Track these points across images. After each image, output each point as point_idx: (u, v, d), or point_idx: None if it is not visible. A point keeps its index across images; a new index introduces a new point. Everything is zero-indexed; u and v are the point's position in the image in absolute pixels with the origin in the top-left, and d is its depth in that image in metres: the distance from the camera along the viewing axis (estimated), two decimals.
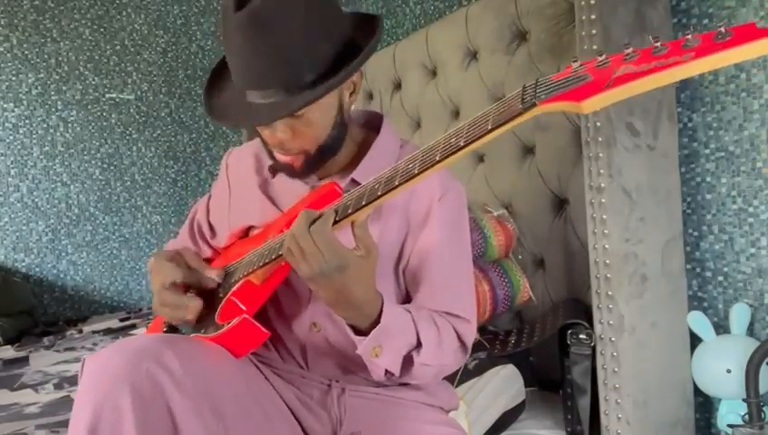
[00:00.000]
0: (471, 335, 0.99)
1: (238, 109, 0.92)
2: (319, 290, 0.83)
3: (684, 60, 0.55)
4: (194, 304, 0.92)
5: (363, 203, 0.78)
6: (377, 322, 0.86)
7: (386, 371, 0.91)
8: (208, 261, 1.10)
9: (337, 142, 0.97)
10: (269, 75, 0.87)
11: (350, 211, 0.79)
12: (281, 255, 0.84)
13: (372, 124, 1.06)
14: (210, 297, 0.96)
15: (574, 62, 0.65)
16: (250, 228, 1.06)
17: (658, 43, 0.58)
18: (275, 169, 1.00)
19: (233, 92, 0.94)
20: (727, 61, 0.55)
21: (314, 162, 0.95)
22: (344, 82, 0.90)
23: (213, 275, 0.97)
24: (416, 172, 0.74)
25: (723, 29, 0.55)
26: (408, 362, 0.92)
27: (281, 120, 0.90)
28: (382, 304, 0.87)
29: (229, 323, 0.89)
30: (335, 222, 0.81)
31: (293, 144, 0.92)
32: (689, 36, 0.57)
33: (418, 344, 0.91)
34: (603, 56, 0.62)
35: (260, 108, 0.89)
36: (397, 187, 0.76)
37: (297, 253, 0.80)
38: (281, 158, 0.95)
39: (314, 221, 0.80)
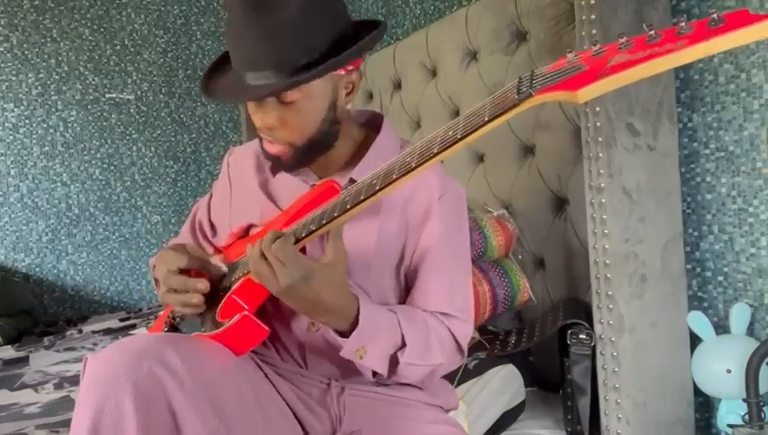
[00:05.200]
0: (467, 336, 0.99)
1: (232, 88, 0.93)
2: (292, 303, 0.86)
3: (678, 47, 0.56)
4: (200, 286, 0.93)
5: (362, 198, 0.79)
6: (356, 324, 0.87)
7: (374, 371, 0.92)
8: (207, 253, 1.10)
9: (327, 139, 0.96)
10: (264, 57, 0.87)
11: (348, 206, 0.80)
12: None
13: (373, 124, 1.07)
14: (212, 295, 0.97)
15: (569, 52, 0.65)
16: (250, 227, 1.06)
17: (652, 32, 0.58)
18: (269, 161, 1.00)
19: (232, 76, 0.95)
20: (720, 47, 0.55)
21: (302, 156, 0.95)
22: (335, 71, 0.90)
23: (216, 262, 0.98)
24: (413, 166, 0.74)
25: (716, 15, 0.55)
26: (394, 361, 0.92)
27: (272, 105, 0.90)
28: (359, 306, 0.88)
29: (229, 320, 0.89)
30: (314, 232, 0.83)
31: (280, 133, 0.92)
32: (683, 24, 0.57)
33: (403, 345, 0.91)
34: (598, 46, 0.62)
35: (252, 88, 0.89)
36: (395, 180, 0.76)
37: (265, 271, 0.82)
38: (269, 148, 0.95)
39: (275, 240, 0.82)
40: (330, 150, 0.98)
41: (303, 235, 0.84)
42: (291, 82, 0.86)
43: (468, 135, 0.70)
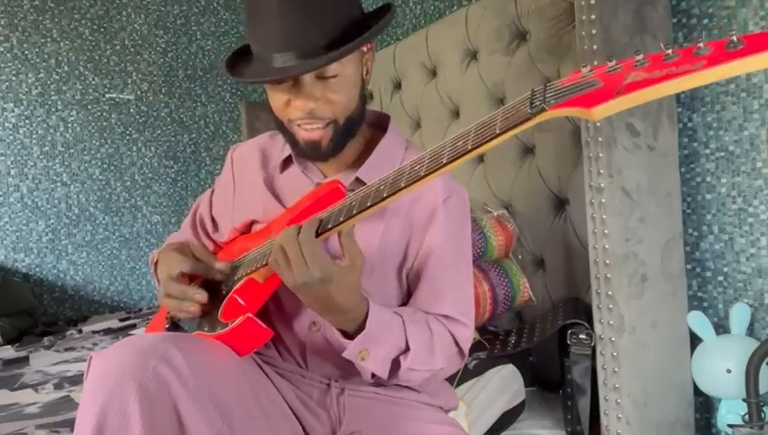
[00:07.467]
0: (468, 340, 0.99)
1: (270, 70, 0.91)
2: (303, 298, 0.86)
3: (695, 68, 0.54)
4: (199, 296, 0.92)
5: (369, 204, 0.78)
6: (363, 326, 0.87)
7: (373, 373, 0.92)
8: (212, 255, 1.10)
9: (359, 118, 0.98)
10: (307, 34, 0.88)
11: (354, 212, 0.80)
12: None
13: (380, 124, 1.07)
14: (213, 293, 0.96)
15: (584, 67, 0.65)
16: (253, 223, 1.06)
17: (670, 51, 0.57)
18: (298, 153, 1.00)
19: (256, 64, 0.94)
20: (739, 70, 0.54)
21: (341, 136, 0.96)
22: (366, 44, 0.93)
23: (221, 266, 0.97)
24: (422, 174, 0.74)
25: (735, 38, 0.54)
26: (395, 365, 0.92)
27: (312, 85, 0.91)
28: (368, 308, 0.88)
29: (233, 322, 0.89)
30: (327, 230, 0.82)
31: (324, 110, 0.92)
32: (701, 45, 0.56)
33: (407, 349, 0.91)
34: (614, 62, 0.62)
35: (292, 68, 0.89)
36: (402, 188, 0.76)
37: (283, 263, 0.82)
38: (308, 135, 0.94)
39: (299, 232, 0.81)
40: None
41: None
42: (345, 51, 0.87)
43: (479, 147, 0.69)
